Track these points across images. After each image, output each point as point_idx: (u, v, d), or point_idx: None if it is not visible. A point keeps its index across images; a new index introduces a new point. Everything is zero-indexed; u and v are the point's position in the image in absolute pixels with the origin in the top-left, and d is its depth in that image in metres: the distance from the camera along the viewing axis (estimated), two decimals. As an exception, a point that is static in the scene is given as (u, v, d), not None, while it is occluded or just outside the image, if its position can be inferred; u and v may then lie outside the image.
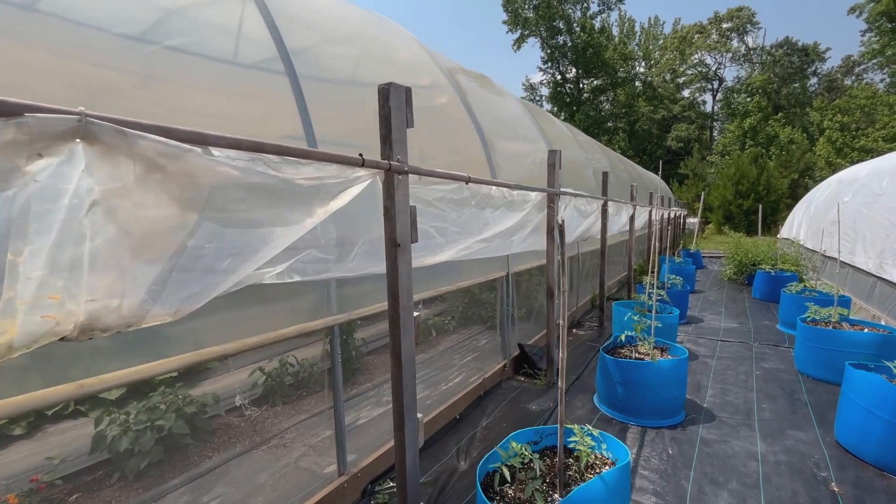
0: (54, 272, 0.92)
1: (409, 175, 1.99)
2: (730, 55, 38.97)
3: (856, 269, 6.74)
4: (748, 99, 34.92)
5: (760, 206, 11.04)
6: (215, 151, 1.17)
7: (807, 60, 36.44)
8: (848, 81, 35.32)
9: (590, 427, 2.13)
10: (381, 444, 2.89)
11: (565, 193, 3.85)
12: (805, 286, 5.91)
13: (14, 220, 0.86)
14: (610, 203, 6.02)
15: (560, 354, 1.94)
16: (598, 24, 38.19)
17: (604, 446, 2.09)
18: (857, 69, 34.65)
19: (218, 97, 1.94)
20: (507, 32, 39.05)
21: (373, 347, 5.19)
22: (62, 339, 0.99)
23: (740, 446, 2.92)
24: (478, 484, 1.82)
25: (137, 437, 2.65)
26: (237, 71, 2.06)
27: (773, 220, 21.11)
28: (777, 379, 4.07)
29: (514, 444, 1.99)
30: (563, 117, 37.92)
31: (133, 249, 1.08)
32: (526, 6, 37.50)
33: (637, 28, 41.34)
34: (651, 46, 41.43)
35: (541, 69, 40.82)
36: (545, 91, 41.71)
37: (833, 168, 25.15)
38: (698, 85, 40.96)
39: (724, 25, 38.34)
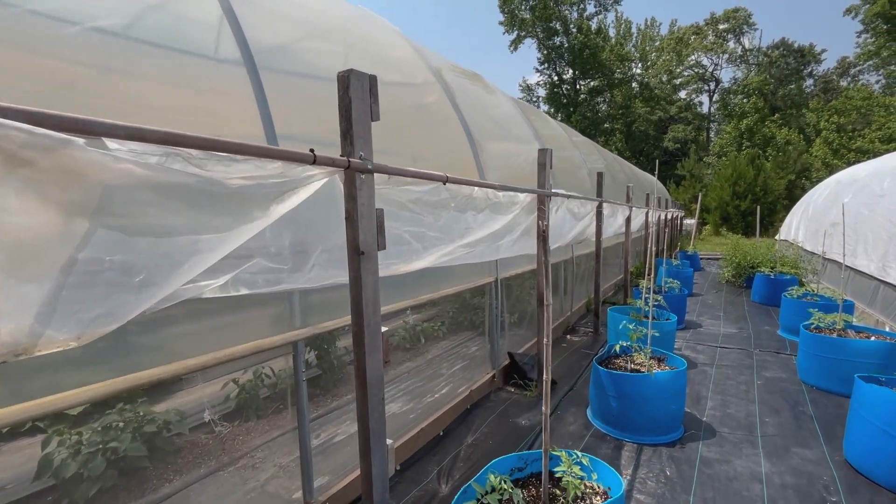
0: None
1: (376, 175, 1.79)
2: (726, 56, 38.97)
3: (857, 271, 6.57)
4: (745, 100, 34.89)
5: (758, 208, 10.87)
6: (112, 144, 0.96)
7: (803, 62, 36.45)
8: (844, 83, 35.35)
9: (579, 454, 1.92)
10: (358, 464, 2.68)
11: (556, 195, 3.65)
12: (806, 290, 5.72)
13: None
14: (605, 204, 5.82)
15: (545, 376, 1.73)
16: (594, 26, 38.13)
17: (594, 475, 1.88)
18: (852, 70, 34.68)
19: (181, 92, 1.74)
20: (504, 33, 38.99)
21: (349, 360, 4.96)
22: None
23: (743, 466, 2.71)
24: (451, 524, 1.61)
25: (87, 461, 2.43)
26: (203, 65, 1.85)
27: (770, 222, 20.99)
28: (780, 389, 3.87)
29: (491, 476, 1.78)
30: (559, 118, 37.81)
31: (1, 265, 0.87)
32: (522, 7, 37.41)
33: (633, 29, 41.33)
34: (647, 48, 41.39)
35: (537, 70, 40.75)
36: (542, 92, 41.64)
37: (830, 169, 25.10)
38: (695, 86, 40.93)
39: (721, 26, 38.32)
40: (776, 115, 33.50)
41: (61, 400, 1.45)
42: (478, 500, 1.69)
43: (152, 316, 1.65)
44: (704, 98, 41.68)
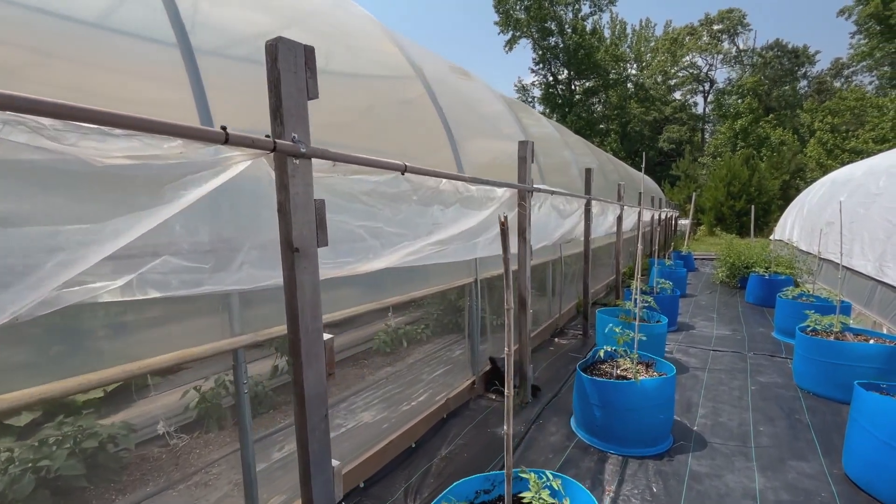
0: None
1: (319, 162, 1.58)
2: (721, 57, 39.02)
3: (854, 271, 6.40)
4: (739, 101, 34.91)
5: (753, 208, 10.73)
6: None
7: (797, 63, 36.54)
8: (837, 84, 35.45)
9: (550, 475, 1.71)
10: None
11: (539, 190, 3.44)
12: (802, 291, 5.55)
13: None
14: (595, 203, 5.63)
15: (506, 391, 1.51)
16: (589, 26, 38.09)
17: (566, 501, 1.67)
18: (845, 71, 34.78)
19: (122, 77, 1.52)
20: (499, 34, 38.87)
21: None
22: None
23: (735, 482, 2.51)
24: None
25: (14, 480, 2.20)
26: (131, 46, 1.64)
27: (765, 222, 20.92)
28: (775, 396, 3.68)
29: (453, 501, 1.56)
30: (555, 118, 37.72)
31: None
32: (517, 7, 37.31)
33: (629, 30, 41.30)
34: (643, 48, 41.39)
35: (532, 70, 40.67)
36: (537, 92, 41.54)
37: (824, 169, 25.09)
38: (690, 87, 40.96)
39: (715, 27, 38.37)
40: (770, 115, 33.54)
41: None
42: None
43: (62, 322, 1.44)
44: (699, 99, 41.77)
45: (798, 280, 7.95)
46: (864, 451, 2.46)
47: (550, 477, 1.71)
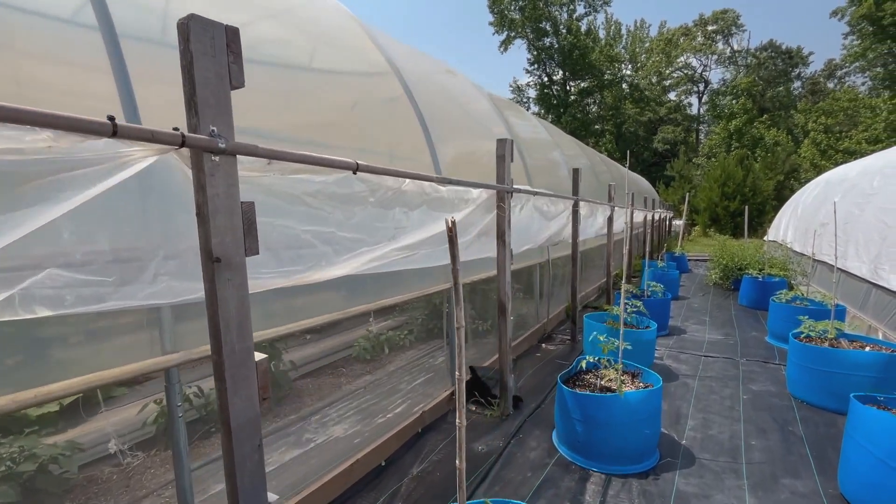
0: None
1: (253, 160, 1.40)
2: (715, 57, 39.09)
3: (848, 273, 6.27)
4: (734, 101, 34.96)
5: (747, 208, 10.61)
6: None
7: (791, 63, 36.65)
8: (830, 85, 35.58)
9: (515, 510, 1.53)
10: (288, 498, 2.28)
11: (519, 191, 3.27)
12: (796, 294, 5.41)
13: None
14: (583, 204, 5.47)
15: (458, 421, 1.33)
16: (584, 27, 38.04)
17: (532, 539, 1.49)
18: (839, 72, 34.90)
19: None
20: (494, 34, 38.76)
21: (310, 370, 4.55)
22: None
23: (724, 503, 2.34)
24: None
25: (-66, 512, 2.00)
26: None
27: (760, 222, 20.88)
28: (767, 405, 3.52)
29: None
30: (550, 119, 37.65)
31: None
32: (512, 7, 37.22)
33: (623, 31, 41.30)
34: (637, 49, 41.40)
35: (527, 71, 40.59)
36: (532, 93, 41.46)
37: (818, 170, 25.11)
38: (684, 87, 41.02)
39: (710, 28, 38.44)
40: (765, 116, 33.59)
41: None
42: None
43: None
44: (694, 99, 41.81)
45: (792, 282, 7.82)
46: (860, 470, 2.29)
47: (515, 511, 1.53)
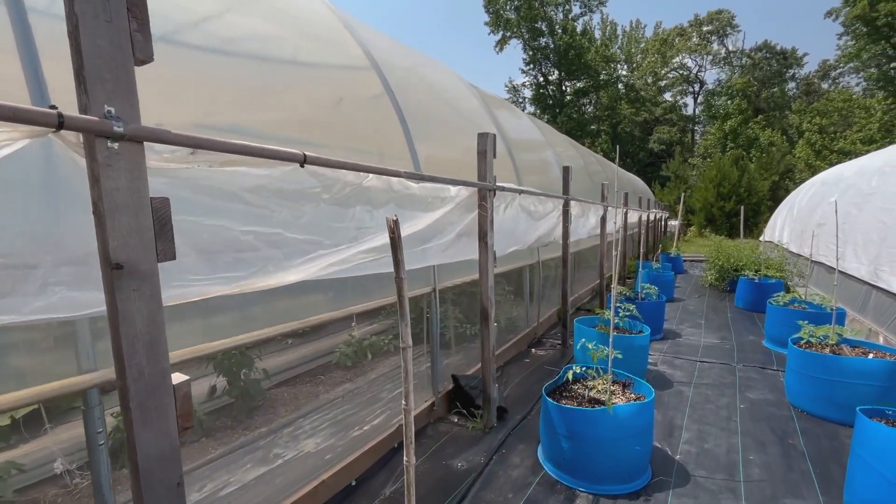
0: None
1: (165, 147, 1.19)
2: (710, 58, 39.11)
3: (846, 275, 6.12)
4: (729, 101, 34.97)
5: (743, 208, 10.48)
6: None
7: (785, 64, 36.71)
8: (825, 85, 35.67)
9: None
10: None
11: (503, 189, 3.07)
12: (794, 296, 5.24)
13: None
14: (575, 203, 5.28)
15: (405, 460, 1.13)
16: (579, 27, 37.98)
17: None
18: (833, 73, 34.99)
19: None
20: (489, 34, 38.62)
21: (287, 377, 4.33)
22: None
23: (721, 528, 2.15)
24: None
25: None
26: None
27: (755, 223, 20.81)
28: (766, 416, 3.33)
29: None
30: (545, 119, 37.53)
31: None
32: (507, 7, 37.10)
33: (619, 31, 41.25)
34: (633, 49, 41.38)
35: (523, 71, 40.47)
36: (528, 93, 41.34)
37: (812, 170, 25.11)
38: (680, 88, 41.01)
39: (705, 28, 38.46)
40: (759, 116, 33.61)
41: None
42: None
43: None
44: (689, 100, 41.83)
45: (788, 283, 7.68)
46: (868, 491, 2.11)
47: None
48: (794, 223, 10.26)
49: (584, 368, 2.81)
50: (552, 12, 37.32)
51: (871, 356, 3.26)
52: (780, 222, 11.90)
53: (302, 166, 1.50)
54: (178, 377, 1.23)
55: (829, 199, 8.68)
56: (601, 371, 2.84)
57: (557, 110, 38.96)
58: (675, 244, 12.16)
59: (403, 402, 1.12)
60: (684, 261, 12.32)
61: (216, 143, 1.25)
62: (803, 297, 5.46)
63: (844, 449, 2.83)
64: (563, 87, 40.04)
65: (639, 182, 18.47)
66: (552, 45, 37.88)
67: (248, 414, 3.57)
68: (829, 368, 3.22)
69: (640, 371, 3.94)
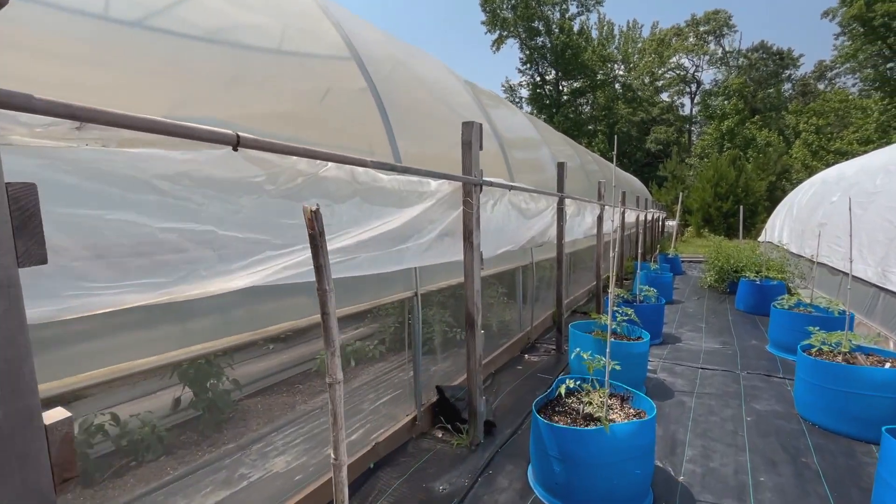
0: None
1: (31, 118, 0.92)
2: (707, 58, 39.06)
3: (853, 277, 5.91)
4: (725, 102, 34.90)
5: (741, 208, 10.28)
6: None
7: (781, 65, 36.68)
8: (821, 86, 35.66)
9: None
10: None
11: (490, 184, 2.81)
12: (799, 299, 5.01)
13: None
14: (570, 202, 5.03)
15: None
16: (576, 26, 37.79)
17: None
18: (829, 74, 34.98)
19: None
20: (486, 33, 38.39)
21: (264, 386, 4.05)
22: None
23: (733, 566, 1.90)
24: None
25: None
26: None
27: (752, 223, 20.65)
28: (775, 430, 3.09)
29: None
30: (542, 119, 37.35)
31: None
32: (504, 6, 36.88)
33: (616, 31, 41.11)
34: (630, 49, 41.25)
35: (520, 70, 40.27)
36: (525, 93, 41.14)
37: (809, 170, 25.03)
38: (676, 88, 40.94)
39: (701, 28, 38.39)
40: (756, 117, 33.55)
41: None
42: None
43: None
44: (686, 100, 41.76)
45: (790, 285, 7.46)
46: (899, 524, 1.86)
47: None
48: (794, 223, 10.06)
49: (577, 382, 2.56)
50: (549, 11, 37.12)
51: (887, 365, 3.03)
52: (779, 223, 11.71)
53: (235, 149, 1.23)
54: (55, 414, 0.96)
55: (830, 198, 8.48)
56: (597, 384, 2.59)
57: (554, 110, 38.78)
58: (673, 244, 11.95)
59: (332, 455, 0.86)
60: (682, 261, 12.11)
61: (106, 114, 0.98)
62: (807, 299, 5.23)
63: (863, 469, 2.59)
64: (560, 87, 39.86)
65: (636, 182, 18.28)
66: (549, 45, 37.68)
67: (216, 428, 3.30)
68: (842, 379, 2.98)
69: (639, 380, 3.70)
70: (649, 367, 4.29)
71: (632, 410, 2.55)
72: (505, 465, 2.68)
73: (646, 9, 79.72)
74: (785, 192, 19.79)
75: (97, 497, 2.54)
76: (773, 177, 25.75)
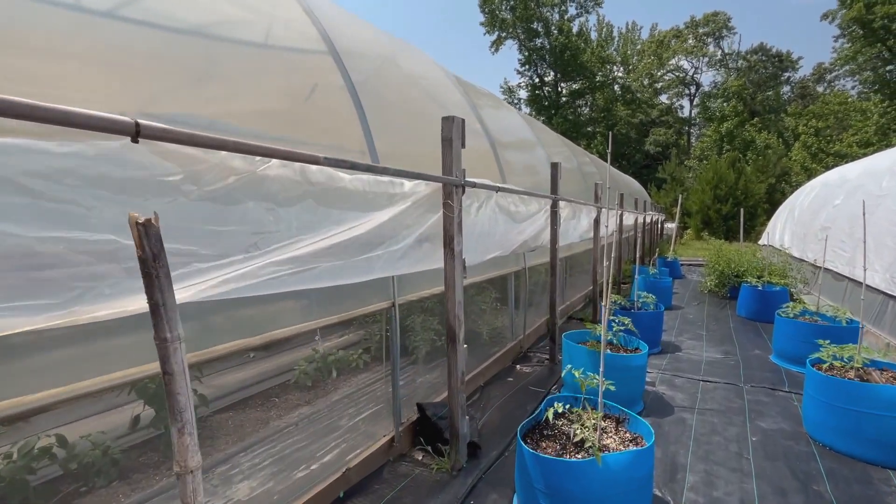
0: None
1: None
2: (706, 60, 38.95)
3: (857, 283, 5.69)
4: (724, 104, 34.77)
5: (741, 211, 10.06)
6: None
7: (780, 67, 36.59)
8: (820, 88, 35.57)
9: None
10: None
11: (473, 185, 2.57)
12: (804, 307, 4.78)
13: None
14: (565, 205, 4.80)
15: None
16: (575, 28, 37.65)
17: None
18: (828, 76, 34.89)
19: None
20: (485, 34, 38.24)
21: (236, 399, 3.81)
22: None
23: None
24: None
25: None
26: None
27: (752, 226, 20.47)
28: (783, 452, 2.85)
29: None
30: (541, 120, 37.17)
31: None
32: (503, 7, 36.73)
33: (615, 33, 41.00)
34: (629, 51, 41.12)
35: (518, 72, 40.11)
36: (524, 94, 40.98)
37: (808, 173, 24.88)
38: (676, 90, 40.83)
39: (700, 30, 38.29)
40: (755, 119, 33.42)
41: None
42: None
43: None
44: (685, 102, 41.64)
45: (793, 291, 7.24)
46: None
47: None
48: (796, 227, 9.85)
49: (566, 406, 2.32)
50: (548, 13, 36.98)
51: (905, 383, 2.80)
52: (779, 226, 11.50)
53: (135, 140, 1.00)
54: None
55: (833, 201, 8.27)
56: (589, 404, 2.35)
57: (553, 112, 38.61)
58: (672, 247, 11.73)
59: None
60: (682, 265, 11.89)
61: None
62: (812, 306, 5.00)
63: (881, 499, 2.35)
64: (559, 89, 39.71)
65: (635, 184, 18.08)
66: (548, 46, 37.53)
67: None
68: (855, 397, 2.75)
69: (636, 395, 3.47)
70: (648, 380, 4.06)
71: (628, 434, 2.31)
72: (489, 494, 2.43)
73: (645, 11, 79.75)
74: (784, 195, 19.61)
75: (37, 530, 2.30)
76: (772, 179, 25.59)
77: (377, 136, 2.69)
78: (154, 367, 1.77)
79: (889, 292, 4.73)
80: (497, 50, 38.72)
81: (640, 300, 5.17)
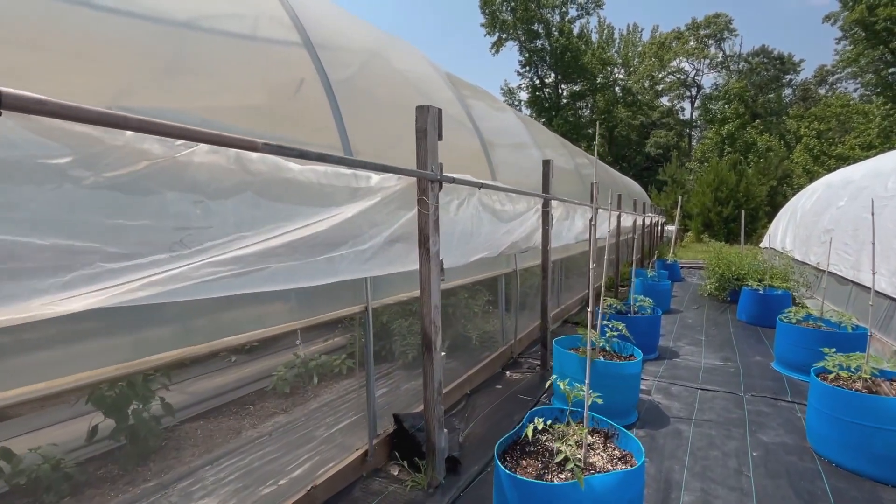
0: None
1: None
2: (707, 62, 38.80)
3: (862, 287, 5.50)
4: (726, 106, 34.59)
5: (742, 213, 9.87)
6: None
7: (782, 69, 36.42)
8: (822, 91, 35.39)
9: None
10: None
11: (452, 181, 2.39)
12: (808, 312, 4.58)
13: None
14: (558, 204, 4.62)
15: None
16: (576, 29, 37.54)
17: None
18: (830, 79, 34.71)
19: None
20: (485, 35, 38.14)
21: (210, 407, 3.62)
22: None
23: None
24: None
25: None
26: None
27: (753, 228, 20.26)
28: (786, 468, 2.66)
29: None
30: (541, 122, 37.02)
31: None
32: (504, 9, 36.63)
33: (616, 35, 40.86)
34: (630, 53, 40.99)
35: (519, 73, 40.01)
36: (524, 95, 40.85)
37: (810, 175, 24.67)
38: (677, 92, 40.66)
39: (702, 32, 38.15)
40: (757, 121, 33.24)
41: None
42: None
43: None
44: (686, 104, 41.47)
45: (795, 295, 7.04)
46: None
47: None
48: (799, 229, 9.65)
49: (549, 422, 2.13)
50: (548, 14, 36.87)
51: (917, 395, 2.60)
52: (781, 228, 11.30)
53: (-2, 113, 0.81)
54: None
55: (836, 203, 8.08)
56: (572, 421, 2.16)
57: (553, 113, 38.47)
58: (672, 250, 11.53)
59: None
60: (681, 267, 11.70)
61: None
62: (815, 311, 4.80)
63: (893, 524, 2.16)
64: (560, 90, 39.58)
65: (635, 185, 17.89)
66: (548, 48, 37.40)
67: (141, 461, 2.86)
68: (864, 411, 2.55)
69: (630, 405, 3.27)
70: (643, 388, 3.86)
71: (616, 451, 2.12)
72: (466, 515, 2.25)
73: (646, 13, 79.70)
74: (786, 198, 19.41)
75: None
76: (773, 181, 25.38)
77: (352, 131, 2.52)
78: (110, 370, 1.60)
79: (895, 297, 4.54)
80: (497, 51, 38.62)
81: (637, 304, 4.98)
